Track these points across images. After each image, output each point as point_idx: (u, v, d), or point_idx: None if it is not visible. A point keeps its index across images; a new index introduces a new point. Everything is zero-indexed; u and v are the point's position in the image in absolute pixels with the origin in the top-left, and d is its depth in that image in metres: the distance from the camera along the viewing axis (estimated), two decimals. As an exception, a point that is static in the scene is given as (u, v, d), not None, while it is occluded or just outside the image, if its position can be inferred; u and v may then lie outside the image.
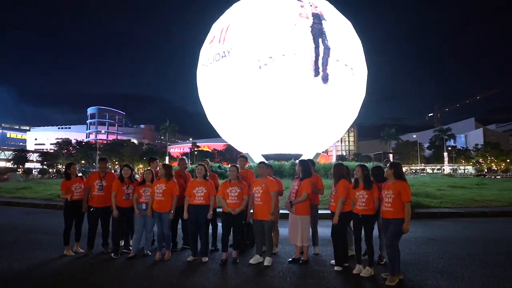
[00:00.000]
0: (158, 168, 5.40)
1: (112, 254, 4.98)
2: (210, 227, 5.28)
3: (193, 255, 4.84)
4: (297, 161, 5.18)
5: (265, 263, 4.53)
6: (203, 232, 4.88)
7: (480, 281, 3.97)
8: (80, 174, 5.56)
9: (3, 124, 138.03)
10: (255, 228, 4.81)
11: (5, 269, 4.45)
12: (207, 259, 4.77)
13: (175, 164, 6.55)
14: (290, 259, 4.72)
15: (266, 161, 8.16)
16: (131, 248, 5.10)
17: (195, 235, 4.90)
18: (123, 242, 5.36)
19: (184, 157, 6.49)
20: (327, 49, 16.01)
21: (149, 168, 5.36)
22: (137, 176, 6.05)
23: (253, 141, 18.42)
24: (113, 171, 5.66)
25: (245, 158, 5.95)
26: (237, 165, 5.26)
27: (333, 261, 4.49)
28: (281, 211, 5.38)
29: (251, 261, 4.64)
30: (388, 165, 4.16)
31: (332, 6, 19.01)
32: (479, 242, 6.05)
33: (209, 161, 6.21)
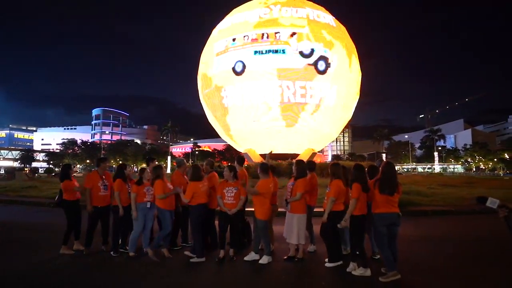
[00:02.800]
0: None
1: (112, 253, 5.03)
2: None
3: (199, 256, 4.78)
4: (294, 161, 5.26)
5: (261, 261, 4.58)
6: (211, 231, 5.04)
7: (474, 280, 3.94)
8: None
9: (10, 125, 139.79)
10: (254, 225, 4.89)
11: (4, 268, 4.48)
12: (204, 259, 4.78)
13: (175, 164, 6.63)
14: (285, 257, 4.75)
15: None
16: (129, 247, 5.12)
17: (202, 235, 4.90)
18: (120, 241, 5.42)
19: (184, 159, 6.51)
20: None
21: (146, 168, 5.38)
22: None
23: (251, 141, 18.71)
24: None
25: (242, 158, 6.01)
26: (232, 166, 5.22)
27: (327, 259, 4.52)
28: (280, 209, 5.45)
29: (246, 258, 4.70)
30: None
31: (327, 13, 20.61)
32: (471, 240, 6.05)
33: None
